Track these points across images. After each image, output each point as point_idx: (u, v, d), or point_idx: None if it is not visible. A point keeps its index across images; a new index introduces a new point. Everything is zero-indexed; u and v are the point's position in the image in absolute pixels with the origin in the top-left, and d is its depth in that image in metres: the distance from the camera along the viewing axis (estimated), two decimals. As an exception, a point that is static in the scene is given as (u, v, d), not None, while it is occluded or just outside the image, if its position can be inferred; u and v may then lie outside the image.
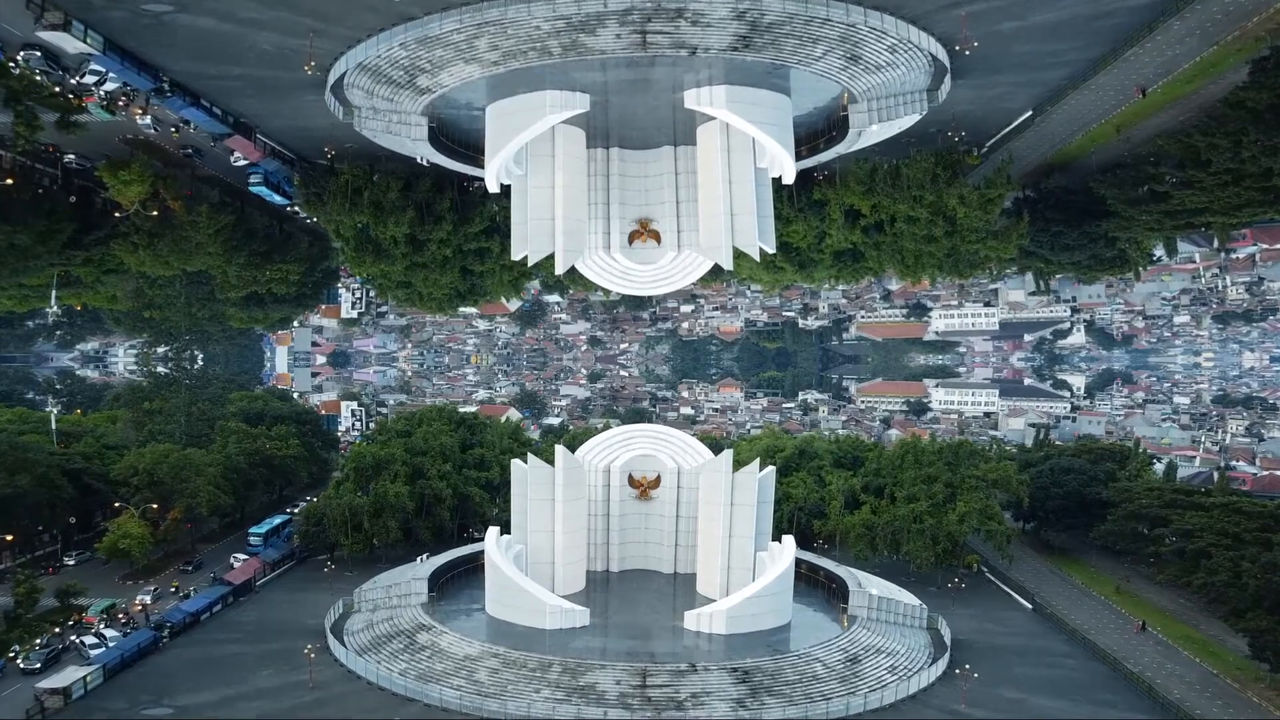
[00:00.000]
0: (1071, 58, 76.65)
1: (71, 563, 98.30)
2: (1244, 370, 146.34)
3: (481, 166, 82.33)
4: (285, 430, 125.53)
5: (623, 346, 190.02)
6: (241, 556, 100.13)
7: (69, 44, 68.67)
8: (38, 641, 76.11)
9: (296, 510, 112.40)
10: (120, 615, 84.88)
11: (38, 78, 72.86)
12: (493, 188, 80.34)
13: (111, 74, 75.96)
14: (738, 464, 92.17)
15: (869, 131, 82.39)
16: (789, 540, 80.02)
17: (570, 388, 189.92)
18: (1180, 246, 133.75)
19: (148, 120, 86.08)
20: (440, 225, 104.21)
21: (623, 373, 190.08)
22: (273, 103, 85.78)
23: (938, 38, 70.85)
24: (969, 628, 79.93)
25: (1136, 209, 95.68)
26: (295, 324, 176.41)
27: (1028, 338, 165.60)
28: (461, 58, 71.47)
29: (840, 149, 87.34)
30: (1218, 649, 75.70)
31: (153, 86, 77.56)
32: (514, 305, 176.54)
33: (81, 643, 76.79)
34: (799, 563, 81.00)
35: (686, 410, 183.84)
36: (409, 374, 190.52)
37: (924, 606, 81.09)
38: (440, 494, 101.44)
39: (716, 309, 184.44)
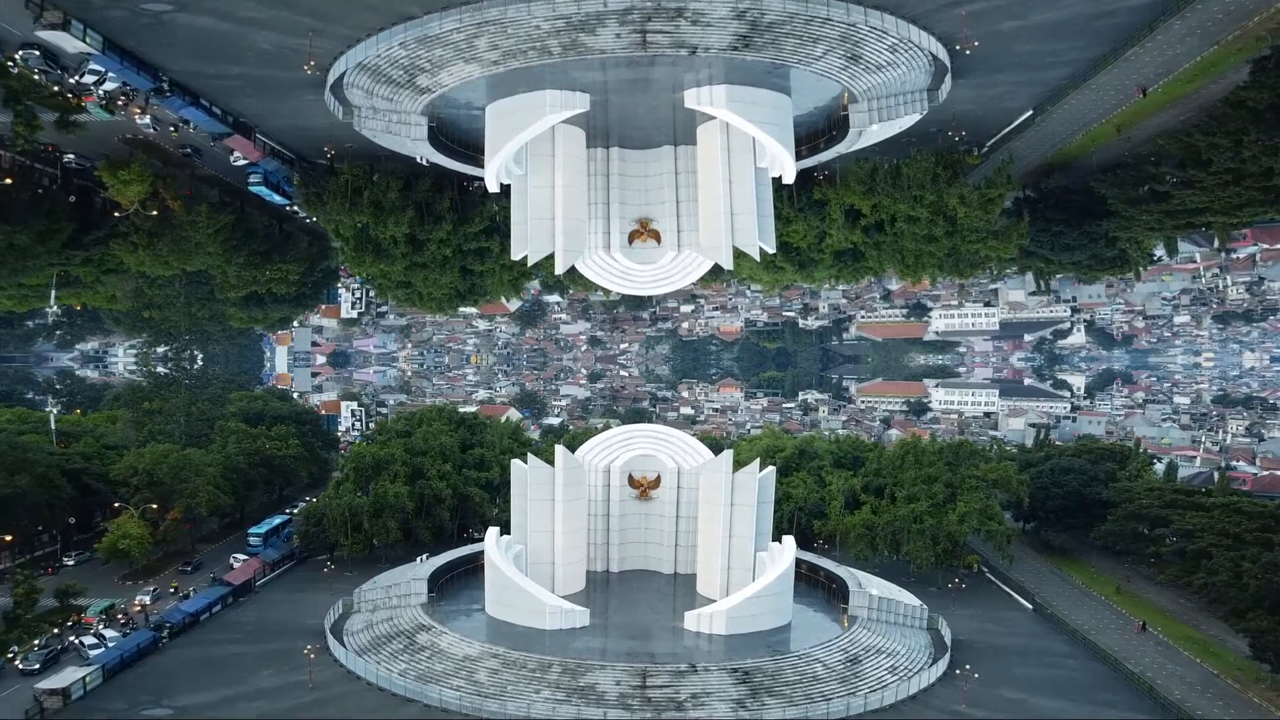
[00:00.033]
0: (1072, 57, 76.57)
1: (71, 563, 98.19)
2: (1244, 370, 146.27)
3: (481, 166, 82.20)
4: (285, 430, 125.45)
5: (623, 346, 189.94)
6: (241, 557, 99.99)
7: (68, 43, 68.51)
8: (36, 642, 75.99)
9: (296, 510, 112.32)
10: (119, 616, 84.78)
11: (37, 77, 72.79)
12: (492, 187, 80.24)
13: (111, 73, 75.81)
14: (738, 464, 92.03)
15: (869, 131, 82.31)
16: (789, 540, 79.91)
17: (570, 388, 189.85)
18: (1181, 246, 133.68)
19: (147, 120, 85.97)
20: (440, 225, 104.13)
21: (623, 373, 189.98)
22: (272, 102, 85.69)
23: (938, 37, 70.75)
24: (969, 628, 79.85)
25: (1137, 209, 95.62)
26: (295, 324, 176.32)
27: (1028, 338, 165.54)
28: (461, 57, 71.38)
29: (840, 148, 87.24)
30: (1218, 649, 75.62)
31: (152, 86, 77.43)
32: (514, 305, 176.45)
33: (81, 643, 76.67)
34: (799, 563, 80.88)
35: (686, 410, 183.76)
36: (409, 374, 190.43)
37: (924, 607, 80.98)
38: (440, 494, 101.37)
39: (716, 309, 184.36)
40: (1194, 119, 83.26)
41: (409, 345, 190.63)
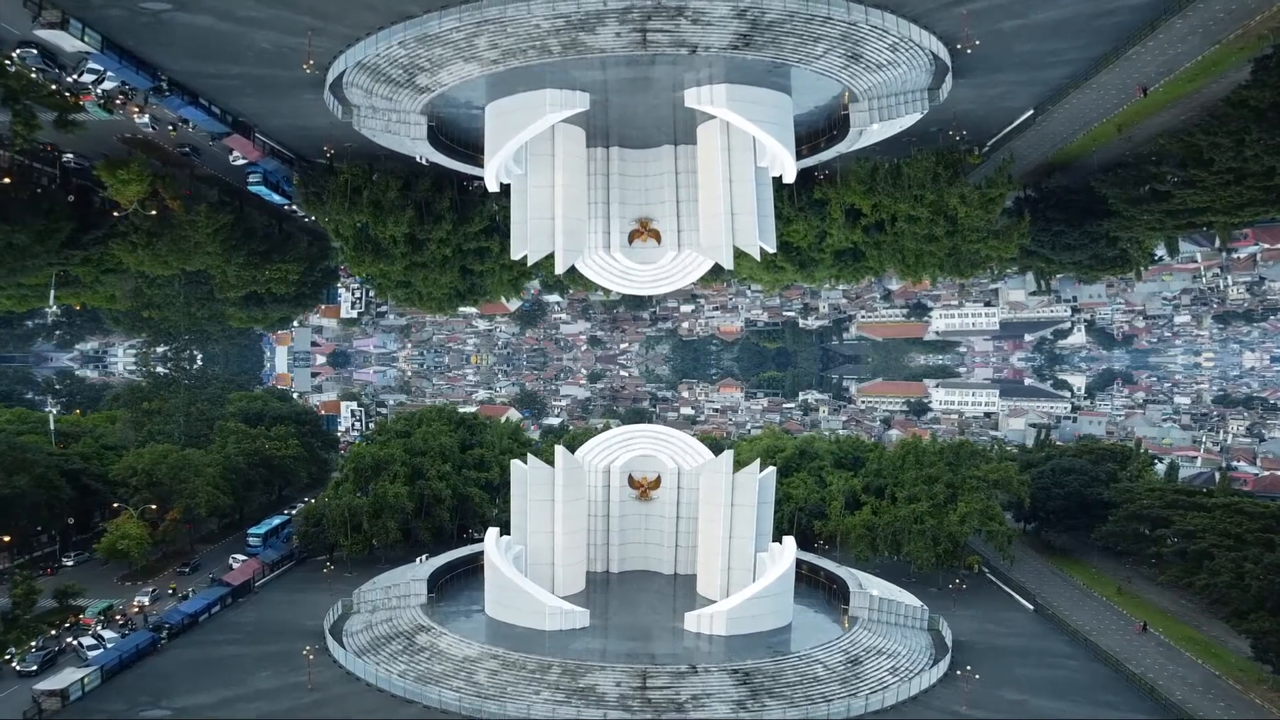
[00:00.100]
0: (1073, 56, 76.42)
1: (70, 563, 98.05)
2: (1245, 370, 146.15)
3: (481, 165, 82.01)
4: (285, 430, 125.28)
5: (623, 346, 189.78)
6: (240, 557, 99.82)
7: (66, 42, 68.36)
8: (34, 643, 75.85)
9: (295, 511, 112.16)
10: (118, 616, 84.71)
11: (35, 76, 72.66)
12: (492, 187, 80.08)
13: (109, 72, 75.61)
14: (738, 464, 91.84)
15: (870, 130, 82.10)
16: (789, 541, 79.75)
17: (570, 388, 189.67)
18: (1181, 246, 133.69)
19: (146, 119, 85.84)
20: (440, 225, 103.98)
21: (623, 373, 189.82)
22: (271, 101, 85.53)
23: (939, 36, 70.60)
24: (970, 629, 79.71)
25: (1138, 208, 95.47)
26: (295, 324, 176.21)
27: (1028, 338, 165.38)
28: (461, 56, 71.21)
29: (841, 148, 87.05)
30: (1220, 650, 75.47)
31: (151, 85, 77.27)
32: (514, 305, 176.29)
33: (79, 644, 76.63)
34: (799, 564, 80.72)
35: (687, 410, 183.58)
36: (409, 374, 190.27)
37: (925, 607, 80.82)
38: (440, 494, 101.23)
39: (716, 309, 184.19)
40: (1195, 118, 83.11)
41: (409, 345, 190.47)
